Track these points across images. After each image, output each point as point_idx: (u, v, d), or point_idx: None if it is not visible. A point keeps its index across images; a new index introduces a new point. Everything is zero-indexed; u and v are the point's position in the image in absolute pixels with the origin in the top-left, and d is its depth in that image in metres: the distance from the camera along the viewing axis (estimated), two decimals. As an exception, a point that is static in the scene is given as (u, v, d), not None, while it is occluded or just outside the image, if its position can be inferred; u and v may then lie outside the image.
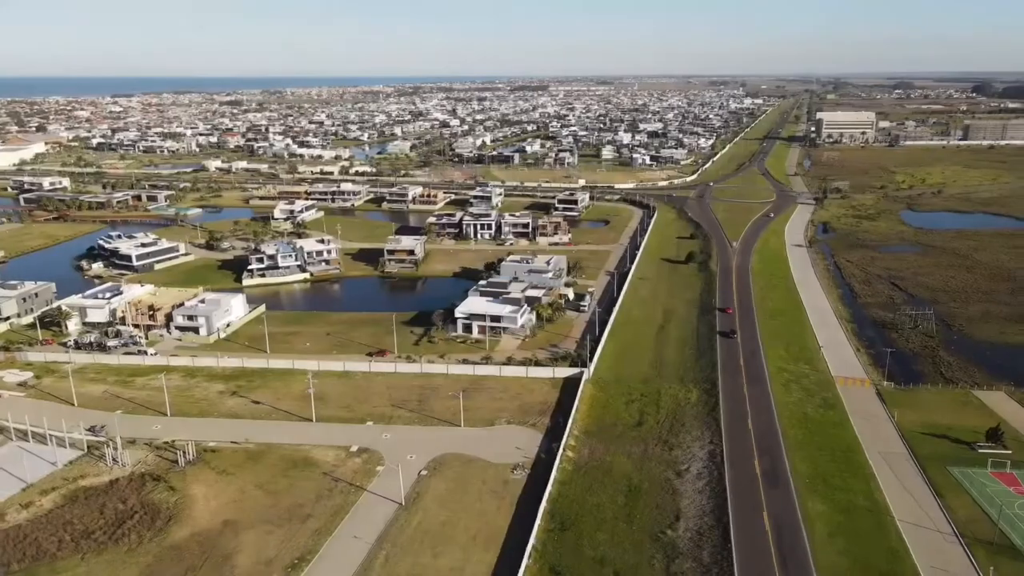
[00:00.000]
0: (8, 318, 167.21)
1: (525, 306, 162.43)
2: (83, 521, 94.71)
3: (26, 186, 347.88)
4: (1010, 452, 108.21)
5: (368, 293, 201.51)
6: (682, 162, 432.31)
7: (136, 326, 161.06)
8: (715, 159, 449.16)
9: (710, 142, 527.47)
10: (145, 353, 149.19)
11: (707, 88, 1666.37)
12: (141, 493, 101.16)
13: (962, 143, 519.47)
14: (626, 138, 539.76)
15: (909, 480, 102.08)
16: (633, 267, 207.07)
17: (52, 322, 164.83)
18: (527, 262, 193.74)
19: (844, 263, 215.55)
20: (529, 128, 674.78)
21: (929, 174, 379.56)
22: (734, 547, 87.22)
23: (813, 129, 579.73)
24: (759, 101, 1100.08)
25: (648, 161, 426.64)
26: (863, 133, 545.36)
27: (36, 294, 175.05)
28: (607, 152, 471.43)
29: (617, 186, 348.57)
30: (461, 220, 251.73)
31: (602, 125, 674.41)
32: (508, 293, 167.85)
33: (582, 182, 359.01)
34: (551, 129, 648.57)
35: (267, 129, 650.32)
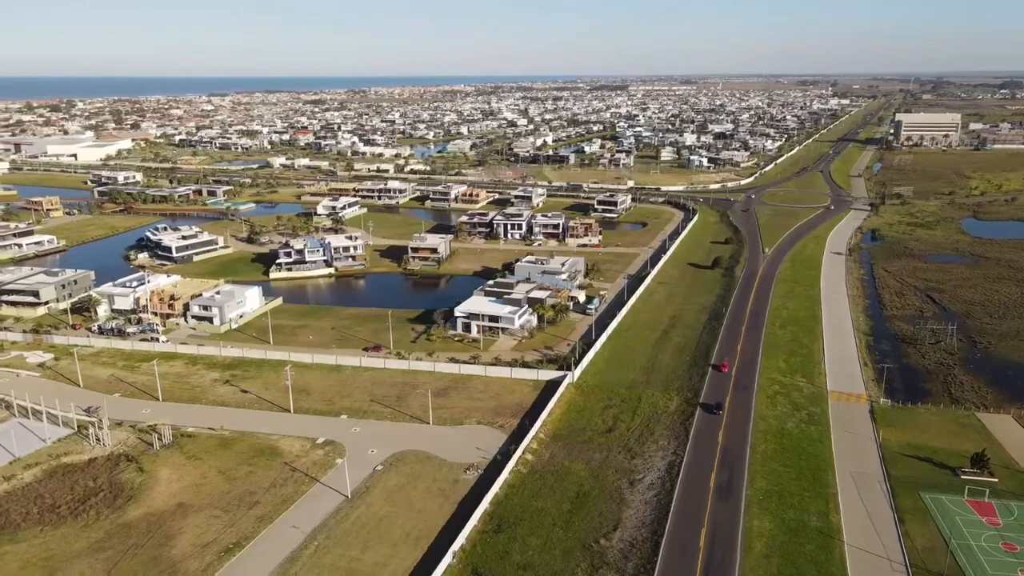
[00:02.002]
0: (47, 302, 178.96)
1: (525, 307, 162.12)
2: (53, 496, 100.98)
3: (103, 180, 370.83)
4: (995, 480, 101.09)
5: (387, 289, 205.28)
6: (742, 164, 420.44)
7: (156, 314, 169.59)
8: (778, 162, 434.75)
9: (777, 144, 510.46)
10: (157, 340, 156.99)
11: (794, 88, 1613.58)
12: (113, 472, 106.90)
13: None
14: (690, 139, 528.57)
15: (873, 503, 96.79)
16: (654, 271, 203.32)
17: (84, 308, 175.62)
18: (542, 263, 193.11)
19: (882, 273, 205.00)
20: (595, 128, 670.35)
21: (1008, 180, 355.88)
22: (659, 561, 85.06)
23: (891, 131, 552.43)
24: (845, 102, 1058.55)
25: (706, 163, 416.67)
26: (946, 136, 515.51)
27: (75, 281, 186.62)
28: (666, 153, 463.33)
29: (666, 188, 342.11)
30: (492, 219, 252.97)
31: (670, 126, 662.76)
32: (511, 293, 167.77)
33: (631, 183, 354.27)
34: (618, 129, 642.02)
35: (339, 127, 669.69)
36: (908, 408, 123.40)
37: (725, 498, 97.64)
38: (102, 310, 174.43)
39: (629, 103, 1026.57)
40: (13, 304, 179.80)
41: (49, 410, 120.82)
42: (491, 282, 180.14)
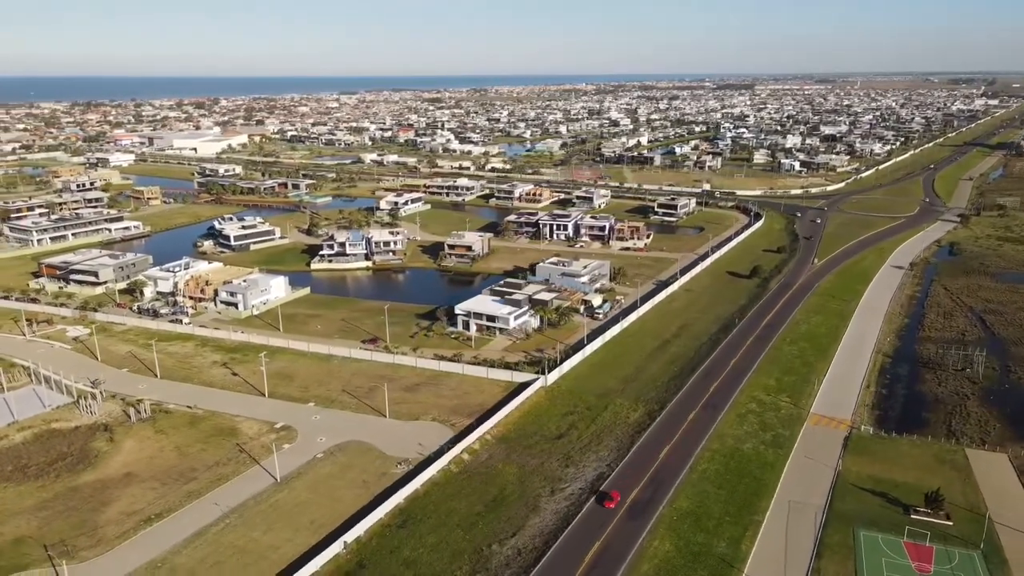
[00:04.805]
0: (105, 282, 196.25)
1: (526, 308, 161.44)
2: (30, 457, 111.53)
3: (206, 172, 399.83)
4: (949, 523, 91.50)
5: (416, 283, 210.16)
6: (839, 169, 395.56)
7: (191, 298, 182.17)
8: (882, 167, 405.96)
9: (888, 148, 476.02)
10: (180, 322, 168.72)
11: (943, 87, 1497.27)
12: (88, 440, 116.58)
13: None
14: (792, 141, 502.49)
15: (798, 535, 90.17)
16: (684, 278, 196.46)
17: (134, 289, 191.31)
18: (564, 265, 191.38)
19: (938, 290, 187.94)
20: (697, 129, 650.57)
21: None
22: (535, 572, 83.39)
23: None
24: (994, 102, 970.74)
25: (797, 167, 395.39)
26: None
27: (134, 264, 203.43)
28: (759, 156, 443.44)
29: (741, 192, 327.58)
30: (538, 220, 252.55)
31: (779, 127, 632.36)
32: (514, 294, 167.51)
33: (707, 186, 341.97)
34: (721, 131, 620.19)
35: (442, 125, 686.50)
36: (890, 438, 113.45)
37: (636, 515, 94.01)
38: (148, 291, 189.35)
39: (748, 103, 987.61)
40: (79, 283, 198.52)
41: (56, 379, 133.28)
42: (502, 281, 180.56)
